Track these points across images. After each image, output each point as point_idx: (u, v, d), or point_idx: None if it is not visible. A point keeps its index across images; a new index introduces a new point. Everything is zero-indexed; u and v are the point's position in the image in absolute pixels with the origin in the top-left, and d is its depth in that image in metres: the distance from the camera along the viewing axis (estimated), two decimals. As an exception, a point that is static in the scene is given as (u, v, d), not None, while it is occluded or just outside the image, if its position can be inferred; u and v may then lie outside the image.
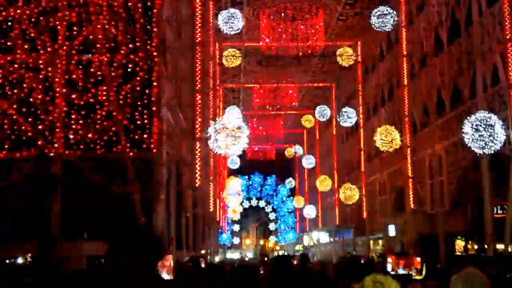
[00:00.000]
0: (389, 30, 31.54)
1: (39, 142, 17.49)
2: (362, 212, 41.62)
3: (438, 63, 29.50)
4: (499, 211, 25.32)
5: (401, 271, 13.65)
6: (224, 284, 9.16)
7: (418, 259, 14.10)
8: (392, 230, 37.10)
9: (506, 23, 20.27)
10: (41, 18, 18.01)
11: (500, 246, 23.15)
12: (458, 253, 32.24)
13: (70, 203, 17.47)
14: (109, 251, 3.81)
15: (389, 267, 14.40)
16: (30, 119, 17.63)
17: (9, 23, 17.96)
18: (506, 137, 19.24)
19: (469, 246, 34.68)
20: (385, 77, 38.69)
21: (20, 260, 18.42)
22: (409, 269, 13.72)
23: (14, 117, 17.53)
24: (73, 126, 17.77)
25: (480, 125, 18.90)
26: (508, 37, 20.10)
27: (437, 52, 29.72)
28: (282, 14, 35.36)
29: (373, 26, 30.31)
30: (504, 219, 22.66)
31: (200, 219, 31.67)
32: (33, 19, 17.99)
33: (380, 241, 42.12)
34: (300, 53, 38.40)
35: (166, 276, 11.52)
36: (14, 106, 17.62)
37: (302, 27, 35.69)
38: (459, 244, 34.51)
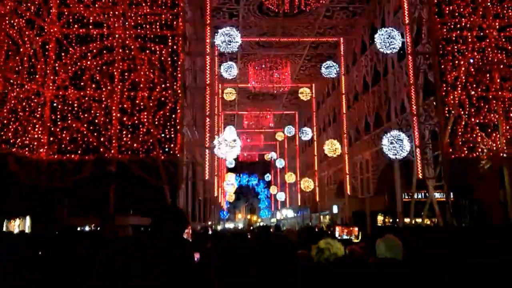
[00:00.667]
0: (333, 76, 31.75)
1: (101, 149, 17.42)
2: (316, 197, 41.70)
3: (365, 98, 29.70)
4: (406, 197, 25.51)
5: (344, 237, 13.65)
6: (225, 243, 9.15)
7: (356, 228, 14.12)
8: (335, 209, 37.19)
9: (410, 73, 20.48)
10: (104, 67, 18.03)
11: (407, 220, 23.30)
12: (379, 225, 32.33)
13: (122, 190, 17.43)
14: (152, 222, 3.82)
15: (336, 234, 14.36)
16: (95, 134, 17.57)
17: (83, 70, 17.95)
18: (410, 147, 19.46)
19: (386, 220, 34.79)
20: (331, 108, 38.87)
21: (87, 228, 18.35)
22: (350, 235, 13.73)
23: (84, 132, 17.47)
24: (124, 139, 17.71)
25: (393, 140, 19.08)
26: (411, 81, 20.30)
27: (365, 91, 29.92)
28: (263, 66, 35.49)
29: (322, 74, 30.50)
30: (409, 202, 22.85)
31: (208, 201, 31.62)
32: (98, 68, 17.97)
33: (328, 216, 42.17)
34: (275, 91, 38.55)
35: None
36: (85, 125, 17.58)
37: (276, 74, 35.81)
38: (380, 219, 34.60)
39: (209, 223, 32.72)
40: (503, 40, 19.35)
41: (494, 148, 18.66)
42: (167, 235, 3.78)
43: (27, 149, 16.27)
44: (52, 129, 17.43)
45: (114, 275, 3.44)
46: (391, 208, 27.48)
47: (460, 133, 18.74)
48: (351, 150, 32.29)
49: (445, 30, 19.38)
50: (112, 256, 3.54)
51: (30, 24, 16.58)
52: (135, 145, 17.64)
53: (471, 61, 19.00)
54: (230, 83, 38.38)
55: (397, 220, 25.02)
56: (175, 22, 18.52)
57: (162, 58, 18.28)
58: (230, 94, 38.76)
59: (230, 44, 20.10)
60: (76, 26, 18.11)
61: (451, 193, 20.26)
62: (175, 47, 18.40)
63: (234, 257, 5.32)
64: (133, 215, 17.88)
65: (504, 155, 18.63)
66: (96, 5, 18.20)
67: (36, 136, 16.81)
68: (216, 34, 20.54)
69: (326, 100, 40.76)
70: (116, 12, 18.24)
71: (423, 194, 26.04)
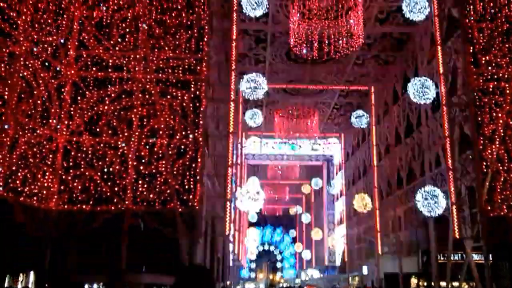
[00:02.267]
0: (364, 127, 31.66)
1: (115, 200, 17.28)
2: (344, 256, 40.74)
3: (397, 150, 29.39)
4: (442, 258, 24.74)
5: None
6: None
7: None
8: (365, 270, 36.23)
9: (445, 125, 20.24)
10: (122, 112, 17.94)
11: (443, 284, 22.48)
12: (413, 288, 31.29)
13: (135, 244, 17.11)
14: (176, 282, 3.62)
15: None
16: (109, 183, 17.32)
17: (99, 115, 18.04)
18: (446, 204, 18.97)
19: (420, 284, 33.66)
20: (361, 160, 38.52)
21: (95, 286, 17.94)
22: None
23: (98, 181, 17.33)
24: (140, 189, 17.52)
25: (428, 195, 18.66)
26: (446, 134, 20.03)
27: (397, 143, 29.66)
28: (290, 113, 35.68)
29: (352, 123, 30.45)
30: (445, 264, 22.09)
31: (227, 259, 31.05)
32: (116, 113, 17.88)
33: (356, 278, 41.08)
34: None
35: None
36: (99, 174, 17.34)
37: (303, 122, 35.93)
38: (414, 281, 33.51)
39: (228, 283, 32.06)
40: (542, 92, 19.03)
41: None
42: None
43: (35, 198, 15.91)
44: (64, 177, 17.15)
45: None
46: (425, 270, 26.62)
47: (499, 190, 18.21)
48: (382, 206, 31.72)
49: (481, 80, 19.18)
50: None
51: (45, 66, 16.67)
52: (151, 195, 17.38)
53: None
54: (254, 131, 38.59)
55: (432, 284, 24.13)
56: (198, 67, 18.51)
57: (184, 103, 18.15)
58: (254, 144, 38.93)
59: (255, 91, 20.22)
60: (94, 69, 18.21)
61: (490, 255, 19.54)
62: (197, 92, 18.28)
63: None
64: (146, 272, 17.49)
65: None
66: (117, 48, 18.37)
67: (46, 184, 16.52)
68: (241, 80, 20.71)
69: (356, 152, 40.51)
70: (137, 56, 18.36)
71: (460, 255, 25.20)
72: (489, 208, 18.10)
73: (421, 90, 19.19)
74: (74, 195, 17.06)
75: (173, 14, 18.86)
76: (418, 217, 24.61)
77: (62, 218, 16.87)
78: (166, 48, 18.53)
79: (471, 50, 19.46)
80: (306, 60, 26.57)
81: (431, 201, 18.31)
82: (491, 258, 19.49)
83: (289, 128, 35.98)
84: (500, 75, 19.15)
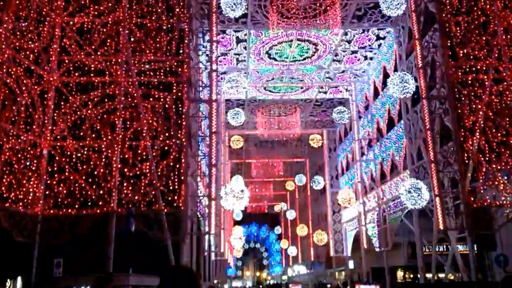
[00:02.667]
0: (345, 122, 31.96)
1: (100, 203, 17.32)
2: (329, 250, 41.07)
3: (380, 144, 29.73)
4: (427, 250, 25.06)
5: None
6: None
7: (378, 286, 13.73)
8: (351, 264, 36.57)
9: (426, 118, 20.53)
10: (105, 116, 18.05)
11: (429, 275, 22.82)
12: (399, 281, 31.71)
13: (121, 245, 17.16)
14: (160, 284, 3.73)
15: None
16: (94, 186, 17.44)
17: (82, 120, 18.07)
18: (429, 196, 19.27)
19: (406, 276, 34.10)
20: (344, 155, 38.88)
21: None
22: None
23: (83, 185, 17.40)
24: (125, 191, 17.62)
25: (411, 188, 18.93)
26: (427, 127, 20.32)
27: (379, 137, 29.98)
28: (271, 112, 35.93)
29: (334, 119, 30.72)
30: (430, 255, 22.41)
31: (213, 257, 31.15)
32: (99, 117, 18.02)
33: (343, 272, 41.43)
34: (284, 138, 38.77)
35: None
36: (83, 177, 17.49)
37: (285, 120, 36.18)
38: (400, 274, 33.95)
39: (215, 281, 32.17)
40: (521, 82, 19.47)
41: (518, 195, 18.45)
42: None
43: (21, 204, 15.96)
44: (49, 182, 17.22)
45: None
46: (411, 263, 27.01)
47: (481, 181, 18.58)
48: (367, 199, 32.04)
49: (460, 73, 19.56)
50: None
51: (28, 73, 16.74)
52: (136, 197, 17.49)
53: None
54: (237, 130, 38.71)
55: (418, 275, 24.50)
56: (180, 69, 18.82)
57: (166, 105, 18.37)
58: (237, 142, 39.05)
59: (237, 90, 20.38)
60: (76, 74, 18.32)
61: (475, 245, 19.89)
62: (179, 94, 18.60)
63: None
64: (134, 274, 17.55)
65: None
66: (99, 53, 18.53)
67: (31, 189, 16.57)
68: (222, 80, 20.83)
69: (338, 147, 40.87)
70: (119, 60, 18.54)
71: (445, 246, 25.63)
72: (472, 199, 18.45)
73: (401, 84, 19.45)
74: (59, 200, 17.10)
75: (153, 18, 18.98)
76: (402, 210, 24.91)
77: (48, 223, 16.84)
78: (147, 51, 18.62)
79: (448, 44, 19.81)
80: (286, 58, 26.81)
81: (415, 193, 18.58)
82: (475, 249, 19.86)
83: (271, 126, 36.23)
84: (478, 67, 19.56)
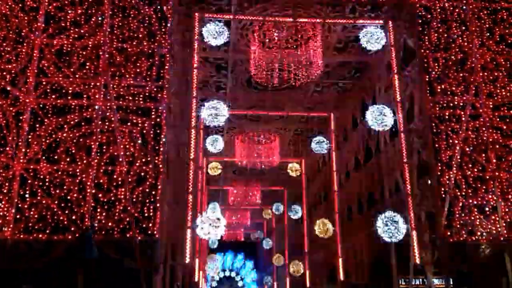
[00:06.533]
0: (324, 152, 32.06)
1: (72, 229, 16.98)
2: (305, 282, 40.72)
3: (358, 176, 29.85)
4: (403, 283, 25.02)
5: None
6: None
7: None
8: (327, 295, 36.29)
9: (403, 151, 20.71)
10: (81, 139, 17.88)
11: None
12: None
13: (93, 273, 16.82)
14: None
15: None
16: (66, 211, 17.14)
17: (58, 143, 17.85)
18: (406, 230, 19.27)
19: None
20: (322, 185, 38.90)
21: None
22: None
23: (55, 209, 17.05)
24: (98, 217, 17.32)
25: (388, 221, 18.93)
26: (404, 160, 20.48)
27: (357, 169, 30.13)
28: (250, 139, 35.91)
29: (313, 149, 30.80)
30: (406, 288, 22.39)
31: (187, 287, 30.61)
32: (75, 140, 17.82)
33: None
34: (262, 166, 38.68)
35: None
36: (56, 202, 17.16)
37: (264, 148, 36.18)
38: (375, 306, 33.69)
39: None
40: (498, 119, 19.84)
41: (494, 231, 18.59)
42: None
43: None
44: (20, 205, 16.87)
45: None
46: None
47: (457, 215, 18.71)
48: (343, 231, 31.98)
49: (437, 108, 19.86)
50: None
51: (4, 94, 16.67)
52: (109, 224, 17.23)
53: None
54: (215, 157, 38.52)
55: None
56: (159, 94, 18.77)
57: (144, 131, 18.29)
58: (215, 169, 38.81)
59: (216, 118, 20.37)
60: (53, 96, 18.16)
61: (451, 279, 19.91)
62: (158, 119, 18.53)
63: None
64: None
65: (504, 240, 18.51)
66: (77, 76, 18.43)
67: (1, 213, 16.34)
68: (202, 107, 20.82)
69: (316, 177, 40.89)
70: (98, 83, 18.44)
71: (421, 280, 25.54)
72: (448, 233, 18.52)
73: (379, 117, 19.62)
74: (30, 224, 16.73)
75: (134, 43, 18.97)
76: (380, 242, 24.87)
77: (17, 248, 16.47)
78: (127, 76, 18.56)
79: (427, 79, 20.12)
80: (267, 87, 26.93)
81: (392, 226, 18.57)
82: (451, 283, 19.88)
83: (250, 154, 36.14)
84: (456, 103, 19.86)
